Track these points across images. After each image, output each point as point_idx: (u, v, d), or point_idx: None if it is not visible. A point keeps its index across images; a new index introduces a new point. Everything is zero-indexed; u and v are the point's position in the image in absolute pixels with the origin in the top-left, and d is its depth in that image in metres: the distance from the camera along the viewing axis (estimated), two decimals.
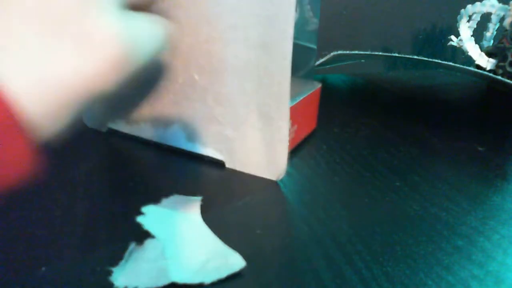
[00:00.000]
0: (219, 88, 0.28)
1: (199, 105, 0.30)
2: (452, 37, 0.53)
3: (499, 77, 0.41)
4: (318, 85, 0.36)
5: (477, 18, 0.52)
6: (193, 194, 0.26)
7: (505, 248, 0.22)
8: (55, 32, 0.15)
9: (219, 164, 0.31)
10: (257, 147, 0.29)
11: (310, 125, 0.37)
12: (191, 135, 0.31)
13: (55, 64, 0.15)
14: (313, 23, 0.35)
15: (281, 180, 0.29)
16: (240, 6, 0.25)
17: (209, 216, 0.24)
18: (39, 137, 0.15)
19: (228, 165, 0.31)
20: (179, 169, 0.31)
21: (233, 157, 0.30)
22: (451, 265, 0.21)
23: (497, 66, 0.50)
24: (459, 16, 0.52)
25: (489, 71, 0.51)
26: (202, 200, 0.25)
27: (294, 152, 0.33)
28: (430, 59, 0.41)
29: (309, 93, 0.34)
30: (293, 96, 0.31)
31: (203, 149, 0.31)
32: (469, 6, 0.51)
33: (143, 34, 0.18)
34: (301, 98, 0.32)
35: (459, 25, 0.52)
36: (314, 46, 0.36)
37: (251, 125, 0.28)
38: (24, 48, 0.15)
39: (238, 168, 0.30)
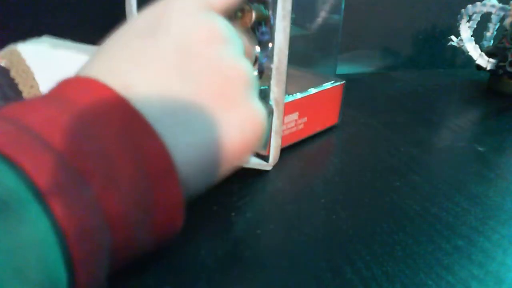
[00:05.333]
0: None
1: None
2: (452, 37, 0.53)
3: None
4: (340, 82, 0.37)
5: (477, 18, 0.52)
6: None
7: (505, 248, 0.22)
8: (227, 108, 0.18)
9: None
10: None
11: (327, 120, 0.38)
12: None
13: (220, 134, 0.18)
14: (336, 18, 0.37)
15: (280, 181, 0.29)
16: None
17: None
18: (186, 192, 0.17)
19: None
20: None
21: None
22: (451, 265, 0.21)
23: (497, 66, 0.50)
24: (459, 16, 0.52)
25: (489, 71, 0.51)
26: None
27: (294, 150, 0.33)
28: None
29: (324, 87, 0.35)
30: (305, 89, 0.33)
31: None
32: (469, 6, 0.51)
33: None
34: (314, 91, 0.34)
35: (459, 25, 0.52)
36: (336, 41, 0.37)
37: None
38: (197, 118, 0.17)
39: None
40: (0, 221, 0.11)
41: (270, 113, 0.28)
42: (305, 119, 0.34)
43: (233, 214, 0.25)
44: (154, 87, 0.17)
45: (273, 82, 0.27)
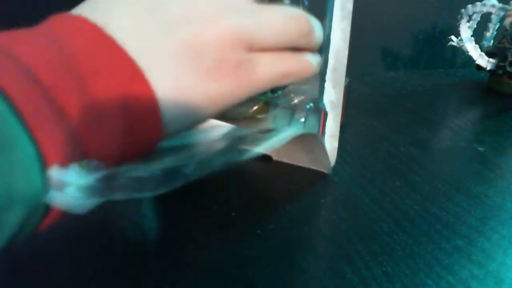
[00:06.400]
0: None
1: None
2: (452, 37, 0.53)
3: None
4: (346, 80, 0.36)
5: (477, 18, 0.52)
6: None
7: (505, 248, 0.22)
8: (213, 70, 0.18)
9: (266, 158, 0.31)
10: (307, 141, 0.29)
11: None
12: None
13: (201, 83, 0.18)
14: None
15: (281, 181, 0.29)
16: None
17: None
18: (166, 132, 0.18)
19: (275, 158, 0.31)
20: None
21: (281, 151, 0.31)
22: (451, 265, 0.21)
23: (497, 66, 0.50)
24: (459, 16, 0.52)
25: (489, 71, 0.51)
26: None
27: None
28: None
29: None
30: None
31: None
32: (469, 6, 0.51)
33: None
34: None
35: (459, 25, 0.52)
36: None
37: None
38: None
39: (286, 160, 0.31)
40: None
41: (318, 114, 0.27)
42: None
43: (233, 214, 0.25)
44: (135, 27, 0.17)
45: (328, 84, 0.26)
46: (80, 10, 0.17)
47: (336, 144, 0.29)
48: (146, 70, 0.16)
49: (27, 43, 0.15)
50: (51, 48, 0.15)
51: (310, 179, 0.29)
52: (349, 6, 0.25)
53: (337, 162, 0.32)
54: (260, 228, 0.23)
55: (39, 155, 0.13)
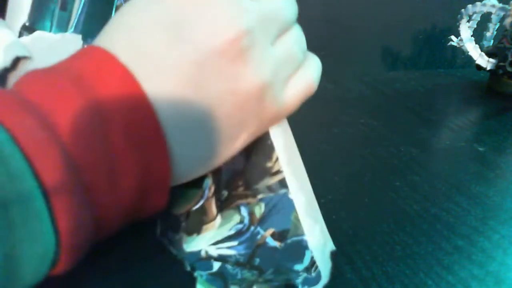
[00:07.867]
0: None
1: None
2: (452, 37, 0.53)
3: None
4: None
5: (477, 18, 0.52)
6: None
7: (505, 248, 0.22)
8: (235, 127, 0.17)
9: None
10: None
11: None
12: None
13: (220, 147, 0.17)
14: None
15: None
16: None
17: None
18: (174, 181, 0.17)
19: None
20: None
21: None
22: (451, 265, 0.21)
23: (497, 66, 0.50)
24: (459, 16, 0.52)
25: (489, 71, 0.51)
26: None
27: None
28: None
29: None
30: None
31: None
32: (469, 6, 0.51)
33: None
34: None
35: (459, 25, 0.52)
36: None
37: None
38: (203, 135, 0.17)
39: None
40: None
41: None
42: None
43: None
44: (171, 100, 0.16)
45: None
46: (118, 49, 0.16)
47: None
48: (170, 145, 0.16)
49: (58, 100, 0.14)
50: (78, 101, 0.14)
51: (309, 180, 0.29)
52: None
53: (337, 162, 0.32)
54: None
55: (55, 230, 0.13)
